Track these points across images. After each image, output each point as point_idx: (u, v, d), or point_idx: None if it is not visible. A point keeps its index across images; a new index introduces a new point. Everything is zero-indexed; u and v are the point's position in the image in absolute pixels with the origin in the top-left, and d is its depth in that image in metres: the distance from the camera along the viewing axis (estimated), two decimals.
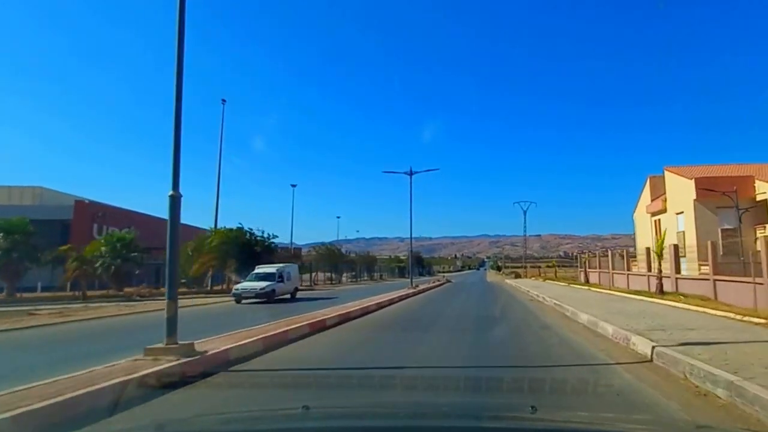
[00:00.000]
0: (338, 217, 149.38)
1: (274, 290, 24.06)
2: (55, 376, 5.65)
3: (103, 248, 30.23)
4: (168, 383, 5.80)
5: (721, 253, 19.65)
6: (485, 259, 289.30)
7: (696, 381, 5.71)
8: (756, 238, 18.54)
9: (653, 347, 7.43)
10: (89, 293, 27.57)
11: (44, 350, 10.05)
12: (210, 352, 7.30)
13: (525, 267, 59.73)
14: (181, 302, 8.02)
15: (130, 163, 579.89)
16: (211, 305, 22.43)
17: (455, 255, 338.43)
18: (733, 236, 20.87)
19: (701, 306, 13.81)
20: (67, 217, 38.03)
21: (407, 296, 25.36)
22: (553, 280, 43.64)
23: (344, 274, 59.19)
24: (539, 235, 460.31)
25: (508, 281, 43.63)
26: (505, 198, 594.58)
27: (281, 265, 27.58)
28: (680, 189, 26.33)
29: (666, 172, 29.09)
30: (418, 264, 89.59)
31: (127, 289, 29.84)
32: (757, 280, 13.85)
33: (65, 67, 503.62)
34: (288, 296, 25.80)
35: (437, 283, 41.76)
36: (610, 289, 25.10)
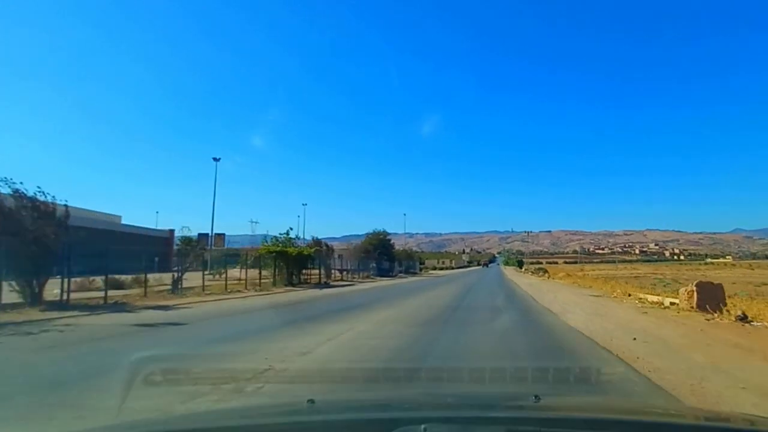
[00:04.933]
0: (304, 204, 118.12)
1: None
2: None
3: None
4: None
5: None
6: (496, 255, 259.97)
7: None
8: None
9: None
10: None
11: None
12: None
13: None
14: None
15: None
16: None
17: (463, 250, 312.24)
18: None
19: None
20: None
21: None
22: None
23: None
24: (549, 231, 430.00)
25: None
26: (513, 194, 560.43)
27: None
28: None
29: None
30: (383, 253, 49.74)
31: None
32: None
33: None
34: None
35: None
36: None
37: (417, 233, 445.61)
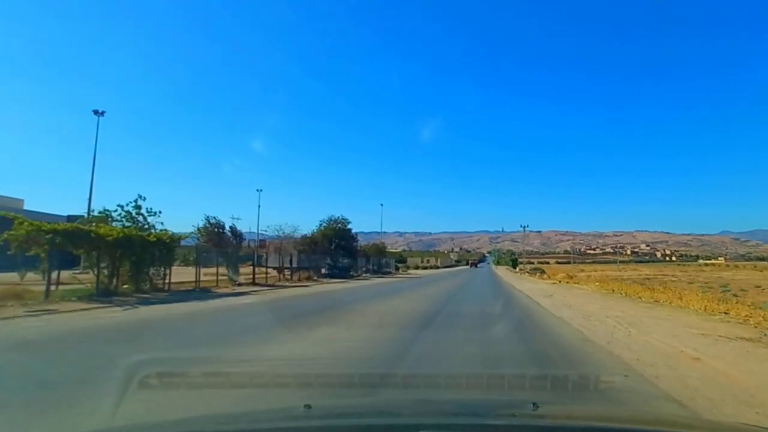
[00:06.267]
0: (259, 190, 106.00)
1: None
2: None
3: None
4: None
5: None
6: (486, 254, 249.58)
7: None
8: None
9: None
10: None
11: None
12: None
13: None
14: None
15: None
16: None
17: (452, 249, 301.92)
18: None
19: None
20: None
21: None
22: None
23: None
24: (540, 231, 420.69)
25: None
26: (504, 195, 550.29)
27: None
28: None
29: None
30: (341, 247, 37.77)
31: None
32: None
33: None
34: None
35: None
36: None
37: (407, 232, 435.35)
